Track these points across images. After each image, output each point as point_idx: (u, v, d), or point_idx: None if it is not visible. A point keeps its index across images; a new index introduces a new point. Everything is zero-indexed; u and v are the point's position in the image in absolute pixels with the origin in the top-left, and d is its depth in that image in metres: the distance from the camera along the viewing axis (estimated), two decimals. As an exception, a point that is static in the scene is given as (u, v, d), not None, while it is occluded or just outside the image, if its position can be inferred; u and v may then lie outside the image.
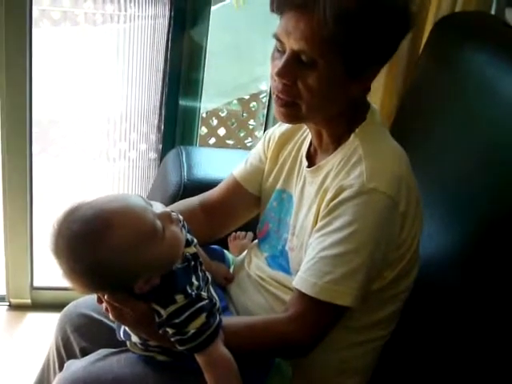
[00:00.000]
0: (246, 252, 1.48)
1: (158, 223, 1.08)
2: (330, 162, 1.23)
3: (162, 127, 2.28)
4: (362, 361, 1.31)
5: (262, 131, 2.65)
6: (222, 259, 1.47)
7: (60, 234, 1.05)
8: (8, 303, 2.40)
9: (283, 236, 1.32)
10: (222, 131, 3.16)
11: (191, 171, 1.81)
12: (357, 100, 1.21)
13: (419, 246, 1.26)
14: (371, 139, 1.21)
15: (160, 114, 2.28)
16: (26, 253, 2.32)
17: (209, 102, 2.90)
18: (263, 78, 2.96)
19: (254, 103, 3.17)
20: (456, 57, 1.63)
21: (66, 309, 1.47)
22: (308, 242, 1.20)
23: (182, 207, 1.44)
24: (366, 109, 1.25)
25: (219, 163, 1.94)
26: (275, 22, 1.17)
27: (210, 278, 1.20)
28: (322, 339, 1.18)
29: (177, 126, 2.27)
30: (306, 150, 1.33)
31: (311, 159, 1.31)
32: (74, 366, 1.26)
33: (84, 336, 1.40)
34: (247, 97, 3.18)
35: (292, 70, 1.14)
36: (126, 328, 1.21)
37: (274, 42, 1.17)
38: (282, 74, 1.15)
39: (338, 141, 1.24)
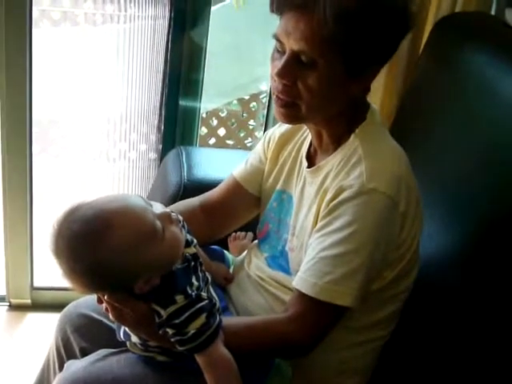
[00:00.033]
0: (245, 252, 1.48)
1: (158, 223, 1.08)
2: (330, 163, 1.23)
3: (162, 127, 2.28)
4: (362, 361, 1.31)
5: (262, 131, 2.65)
6: (222, 259, 1.47)
7: (60, 234, 1.05)
8: (8, 303, 2.40)
9: (283, 236, 1.32)
10: (222, 131, 3.16)
11: (191, 171, 1.81)
12: (357, 100, 1.21)
13: (419, 246, 1.26)
14: (371, 139, 1.21)
15: (160, 115, 2.28)
16: (26, 253, 2.32)
17: (209, 102, 2.90)
18: (263, 78, 2.96)
19: (254, 103, 3.17)
20: (456, 57, 1.63)
21: (66, 309, 1.47)
22: (308, 243, 1.20)
23: (181, 208, 1.44)
24: (365, 109, 1.25)
25: (219, 163, 1.94)
26: (275, 23, 1.17)
27: (209, 279, 1.20)
28: (322, 339, 1.18)
29: (177, 127, 2.27)
30: (305, 150, 1.33)
31: (311, 159, 1.31)
32: (74, 366, 1.26)
33: (84, 336, 1.40)
34: (247, 97, 3.18)
35: (292, 70, 1.14)
36: (126, 328, 1.21)
37: (273, 42, 1.17)
38: (281, 74, 1.15)
39: (337, 141, 1.24)
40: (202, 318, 1.09)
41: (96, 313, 1.40)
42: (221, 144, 3.13)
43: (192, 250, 1.18)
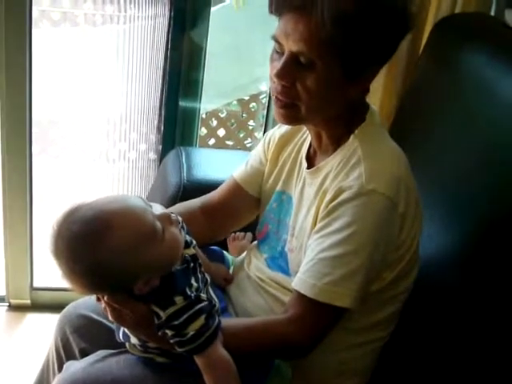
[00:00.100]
0: (245, 253, 1.48)
1: (158, 224, 1.08)
2: (330, 164, 1.23)
3: (162, 128, 2.29)
4: (361, 362, 1.31)
5: (262, 132, 2.65)
6: (222, 260, 1.47)
7: (60, 234, 1.05)
8: (8, 304, 2.40)
9: (282, 237, 1.32)
10: (221, 132, 3.16)
11: (191, 172, 1.81)
12: (356, 101, 1.21)
13: (419, 247, 1.26)
14: (370, 140, 1.21)
15: (160, 115, 2.28)
16: (25, 253, 2.32)
17: (208, 102, 2.90)
18: (263, 78, 2.96)
19: (254, 104, 3.18)
20: (456, 57, 1.63)
21: (65, 310, 1.47)
22: (307, 244, 1.20)
23: (182, 209, 1.44)
24: (365, 110, 1.25)
25: (219, 164, 1.94)
26: (275, 23, 1.17)
27: (208, 280, 1.20)
28: (321, 340, 1.18)
29: (176, 127, 2.27)
30: (305, 151, 1.33)
31: (311, 160, 1.31)
32: (74, 367, 1.26)
33: (83, 337, 1.40)
34: (247, 98, 3.19)
35: (291, 71, 1.14)
36: (125, 329, 1.21)
37: (273, 42, 1.17)
38: (280, 75, 1.15)
39: (337, 142, 1.24)
40: (201, 320, 1.09)
41: (95, 313, 1.40)
42: (220, 144, 3.14)
43: (191, 251, 1.18)
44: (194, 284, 1.12)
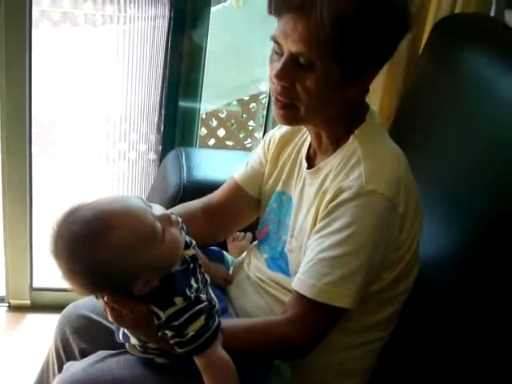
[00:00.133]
0: (245, 253, 1.48)
1: (158, 225, 1.08)
2: (329, 164, 1.23)
3: (162, 128, 2.29)
4: (361, 362, 1.31)
5: (262, 132, 2.65)
6: (222, 260, 1.47)
7: (59, 235, 1.05)
8: (7, 304, 2.40)
9: (282, 237, 1.32)
10: (221, 132, 3.16)
11: (191, 172, 1.81)
12: (355, 102, 1.21)
13: (419, 248, 1.26)
14: (370, 141, 1.21)
15: (160, 115, 2.28)
16: (25, 254, 2.32)
17: (208, 102, 2.90)
18: (263, 79, 2.96)
19: (254, 104, 3.18)
20: (455, 58, 1.63)
21: (65, 310, 1.47)
22: (307, 244, 1.20)
23: (183, 210, 1.44)
24: (364, 110, 1.25)
25: (219, 164, 1.94)
26: (275, 23, 1.17)
27: (208, 280, 1.20)
28: (321, 341, 1.18)
29: (176, 127, 2.27)
30: (305, 151, 1.33)
31: (311, 161, 1.31)
32: (74, 367, 1.26)
33: (83, 337, 1.40)
34: (247, 98, 3.19)
35: (290, 72, 1.14)
36: (125, 330, 1.21)
37: (273, 43, 1.17)
38: (280, 76, 1.15)
39: (337, 142, 1.24)
40: (201, 320, 1.09)
41: (95, 314, 1.40)
42: (220, 145, 3.14)
43: (191, 251, 1.18)
44: (194, 285, 1.12)
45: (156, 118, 2.30)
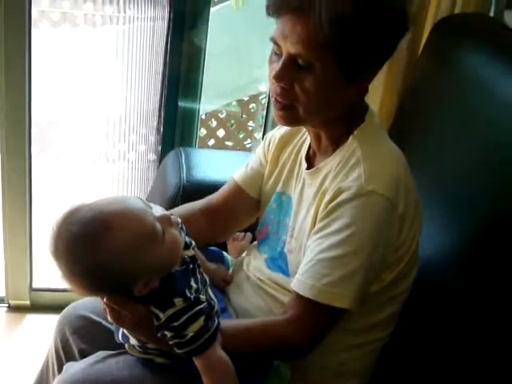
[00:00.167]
0: (245, 253, 1.48)
1: (158, 226, 1.08)
2: (329, 164, 1.23)
3: (162, 129, 2.28)
4: (361, 363, 1.31)
5: (261, 133, 2.65)
6: (221, 261, 1.47)
7: (59, 235, 1.05)
8: (7, 305, 2.40)
9: (282, 238, 1.32)
10: (221, 133, 3.16)
11: (190, 173, 1.81)
12: (354, 102, 1.21)
13: (418, 248, 1.26)
14: (369, 141, 1.21)
15: (159, 116, 2.28)
16: (25, 254, 2.32)
17: (208, 103, 2.90)
18: (262, 79, 2.96)
19: (253, 105, 3.18)
20: (455, 58, 1.63)
21: (65, 311, 1.47)
22: (306, 244, 1.20)
23: (183, 211, 1.45)
24: (364, 110, 1.25)
25: (218, 165, 1.94)
26: (274, 24, 1.17)
27: (207, 280, 1.20)
28: (320, 341, 1.18)
29: (176, 128, 2.27)
30: (305, 152, 1.33)
31: (310, 161, 1.31)
32: (73, 368, 1.26)
33: (83, 338, 1.40)
34: (246, 98, 3.19)
35: (289, 73, 1.14)
36: (125, 331, 1.21)
37: (272, 44, 1.17)
38: (279, 77, 1.15)
39: (336, 143, 1.24)
40: (201, 321, 1.09)
41: (95, 314, 1.40)
42: (220, 145, 3.14)
43: (190, 252, 1.18)
44: (194, 285, 1.12)
45: (155, 119, 2.30)
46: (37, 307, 2.38)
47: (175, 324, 1.08)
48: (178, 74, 2.18)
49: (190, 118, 2.27)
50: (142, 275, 1.07)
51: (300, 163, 1.33)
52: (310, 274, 1.15)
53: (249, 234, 1.62)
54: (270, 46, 1.18)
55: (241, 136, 3.21)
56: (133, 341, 1.21)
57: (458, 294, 1.34)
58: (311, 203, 1.24)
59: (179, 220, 1.17)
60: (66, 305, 1.48)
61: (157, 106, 2.27)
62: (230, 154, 2.75)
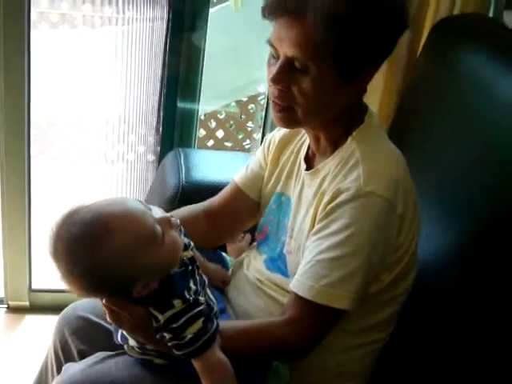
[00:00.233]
0: (244, 254, 1.48)
1: (158, 228, 1.08)
2: (328, 165, 1.23)
3: (161, 129, 2.28)
4: (360, 364, 1.31)
5: (261, 133, 2.66)
6: (220, 261, 1.47)
7: (59, 237, 1.05)
8: (6, 305, 2.40)
9: (281, 239, 1.32)
10: (220, 133, 3.17)
11: (189, 173, 1.81)
12: (353, 103, 1.21)
13: (417, 249, 1.26)
14: (368, 142, 1.21)
15: (158, 116, 2.28)
16: (24, 255, 2.32)
17: (207, 104, 2.90)
18: (261, 80, 2.96)
19: (252, 105, 3.18)
20: (454, 58, 1.63)
21: (64, 311, 1.47)
22: (305, 245, 1.20)
23: (185, 213, 1.45)
24: (363, 111, 1.25)
25: (217, 165, 1.94)
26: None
27: (206, 281, 1.20)
28: (319, 342, 1.18)
29: (175, 128, 2.27)
30: (304, 153, 1.33)
31: (310, 162, 1.31)
32: (72, 368, 1.26)
33: (82, 339, 1.40)
34: (245, 99, 3.19)
35: (286, 76, 1.14)
36: (124, 332, 1.21)
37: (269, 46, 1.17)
38: (276, 80, 1.15)
39: (335, 144, 1.24)
40: (200, 323, 1.09)
41: (94, 315, 1.40)
42: (219, 146, 3.14)
43: (189, 253, 1.18)
44: (193, 287, 1.12)
45: (154, 120, 2.30)
46: (36, 308, 2.38)
47: (174, 326, 1.08)
48: (177, 75, 2.18)
49: (189, 118, 2.27)
50: (141, 277, 1.07)
51: (299, 164, 1.33)
52: (309, 275, 1.15)
53: (248, 235, 1.62)
54: (269, 47, 1.18)
55: (240, 137, 3.22)
56: (132, 342, 1.21)
57: (457, 295, 1.34)
58: (310, 204, 1.24)
59: (178, 221, 1.17)
60: (66, 306, 1.48)
61: (156, 106, 2.27)
62: (229, 154, 2.76)
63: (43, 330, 2.20)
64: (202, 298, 1.12)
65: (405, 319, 1.32)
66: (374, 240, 1.13)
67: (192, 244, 1.21)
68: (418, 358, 1.39)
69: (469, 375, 1.28)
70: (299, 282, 1.16)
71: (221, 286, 1.39)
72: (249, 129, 3.22)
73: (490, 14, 1.90)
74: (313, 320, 1.16)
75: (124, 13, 2.15)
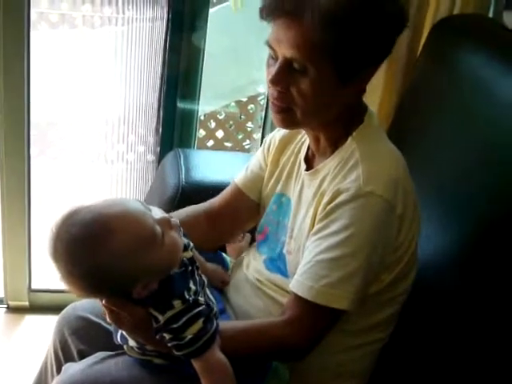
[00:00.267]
0: (244, 254, 1.48)
1: (158, 228, 1.08)
2: (328, 166, 1.23)
3: (160, 129, 2.28)
4: (360, 364, 1.31)
5: (260, 133, 2.66)
6: (220, 261, 1.47)
7: (59, 237, 1.04)
8: (6, 305, 2.40)
9: (281, 239, 1.32)
10: (220, 133, 3.17)
11: (189, 174, 1.81)
12: (353, 103, 1.21)
13: (417, 249, 1.26)
14: (368, 142, 1.21)
15: (158, 117, 2.28)
16: (24, 255, 2.32)
17: (207, 104, 2.90)
18: (261, 80, 2.96)
19: (252, 105, 3.18)
20: (454, 58, 1.63)
21: (64, 311, 1.47)
22: (305, 245, 1.20)
23: (186, 214, 1.45)
24: (363, 111, 1.25)
25: (217, 166, 1.94)
26: (272, 26, 1.17)
27: (206, 282, 1.20)
28: (319, 343, 1.18)
29: (175, 129, 2.27)
30: (304, 153, 1.33)
31: (309, 162, 1.31)
32: (72, 368, 1.26)
33: (82, 339, 1.40)
34: (245, 99, 3.19)
35: (284, 77, 1.14)
36: (123, 332, 1.21)
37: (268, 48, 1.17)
38: (275, 81, 1.15)
39: (335, 144, 1.24)
40: (199, 323, 1.09)
41: (94, 315, 1.40)
42: (219, 146, 3.14)
43: (189, 253, 1.18)
44: (193, 287, 1.12)
45: (154, 120, 2.30)
46: (36, 308, 2.38)
47: (174, 326, 1.08)
48: (177, 75, 2.18)
49: (188, 118, 2.27)
50: (141, 277, 1.07)
51: (299, 164, 1.33)
52: (309, 275, 1.15)
53: (248, 235, 1.62)
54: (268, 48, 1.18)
55: (240, 137, 3.21)
56: (131, 342, 1.21)
57: (456, 295, 1.34)
58: (310, 204, 1.24)
59: (178, 222, 1.17)
60: (65, 306, 1.48)
61: (156, 106, 2.27)
62: (228, 154, 2.76)
63: (43, 330, 2.20)
64: (201, 299, 1.13)
65: (405, 319, 1.32)
66: (373, 240, 1.13)
67: (191, 244, 1.21)
68: (417, 359, 1.39)
69: (469, 375, 1.28)
70: (299, 282, 1.16)
71: (220, 287, 1.39)
72: (248, 129, 3.22)
73: (490, 15, 1.91)
74: (312, 320, 1.16)
75: (124, 13, 2.15)
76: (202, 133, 3.07)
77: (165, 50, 2.16)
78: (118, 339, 1.24)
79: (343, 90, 1.15)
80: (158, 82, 2.22)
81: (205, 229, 1.45)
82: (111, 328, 1.28)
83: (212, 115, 3.12)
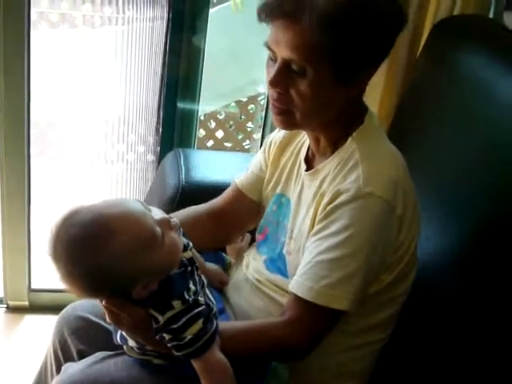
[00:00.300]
0: (244, 254, 1.48)
1: (158, 229, 1.08)
2: (328, 166, 1.23)
3: (160, 129, 2.28)
4: (360, 364, 1.31)
5: (260, 133, 2.66)
6: (219, 262, 1.47)
7: (58, 238, 1.04)
8: (6, 305, 2.40)
9: (281, 239, 1.32)
10: (220, 134, 3.17)
11: (189, 174, 1.81)
12: (352, 104, 1.21)
13: (417, 249, 1.26)
14: (368, 143, 1.21)
15: (158, 117, 2.28)
16: (23, 255, 2.32)
17: (207, 104, 2.90)
18: (261, 80, 2.96)
19: (252, 106, 3.18)
20: (454, 58, 1.64)
21: (63, 311, 1.47)
22: (305, 246, 1.20)
23: (188, 214, 1.45)
24: (363, 112, 1.25)
25: (217, 166, 1.94)
26: (272, 26, 1.17)
27: (205, 282, 1.20)
28: (319, 343, 1.18)
29: (175, 129, 2.27)
30: (304, 153, 1.33)
31: (309, 163, 1.31)
32: (72, 368, 1.26)
33: (81, 339, 1.40)
34: (245, 99, 3.19)
35: (284, 78, 1.14)
36: (123, 332, 1.21)
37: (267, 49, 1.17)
38: (274, 83, 1.15)
39: (335, 145, 1.24)
40: (199, 324, 1.09)
41: (94, 315, 1.40)
42: (219, 146, 3.14)
43: (188, 254, 1.18)
44: (192, 288, 1.12)
45: (154, 120, 2.30)
46: (35, 308, 2.38)
47: (174, 326, 1.08)
48: (177, 75, 2.18)
49: (188, 118, 2.27)
50: (140, 278, 1.07)
51: (299, 165, 1.33)
52: (309, 276, 1.15)
53: (248, 236, 1.62)
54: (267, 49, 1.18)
55: (240, 137, 3.21)
56: (131, 342, 1.21)
57: (456, 295, 1.34)
58: (310, 205, 1.24)
59: (178, 222, 1.17)
60: (65, 305, 1.48)
61: (156, 106, 2.27)
62: (228, 155, 2.76)
63: (42, 330, 2.20)
64: (201, 299, 1.13)
65: (404, 320, 1.32)
66: (373, 241, 1.13)
67: (191, 244, 1.21)
68: (417, 359, 1.39)
69: (469, 375, 1.28)
70: (299, 282, 1.16)
71: (219, 287, 1.39)
72: (249, 129, 3.22)
73: (490, 15, 1.91)
74: (312, 321, 1.16)
75: (124, 13, 2.15)
76: (201, 133, 3.07)
77: (165, 50, 2.16)
78: (118, 339, 1.24)
79: (342, 91, 1.15)
80: (158, 82, 2.22)
81: (206, 229, 1.46)
82: (111, 328, 1.28)
83: (212, 115, 3.12)
